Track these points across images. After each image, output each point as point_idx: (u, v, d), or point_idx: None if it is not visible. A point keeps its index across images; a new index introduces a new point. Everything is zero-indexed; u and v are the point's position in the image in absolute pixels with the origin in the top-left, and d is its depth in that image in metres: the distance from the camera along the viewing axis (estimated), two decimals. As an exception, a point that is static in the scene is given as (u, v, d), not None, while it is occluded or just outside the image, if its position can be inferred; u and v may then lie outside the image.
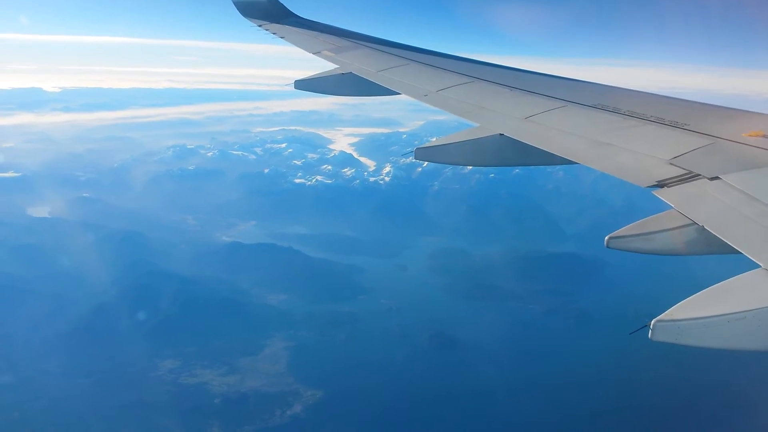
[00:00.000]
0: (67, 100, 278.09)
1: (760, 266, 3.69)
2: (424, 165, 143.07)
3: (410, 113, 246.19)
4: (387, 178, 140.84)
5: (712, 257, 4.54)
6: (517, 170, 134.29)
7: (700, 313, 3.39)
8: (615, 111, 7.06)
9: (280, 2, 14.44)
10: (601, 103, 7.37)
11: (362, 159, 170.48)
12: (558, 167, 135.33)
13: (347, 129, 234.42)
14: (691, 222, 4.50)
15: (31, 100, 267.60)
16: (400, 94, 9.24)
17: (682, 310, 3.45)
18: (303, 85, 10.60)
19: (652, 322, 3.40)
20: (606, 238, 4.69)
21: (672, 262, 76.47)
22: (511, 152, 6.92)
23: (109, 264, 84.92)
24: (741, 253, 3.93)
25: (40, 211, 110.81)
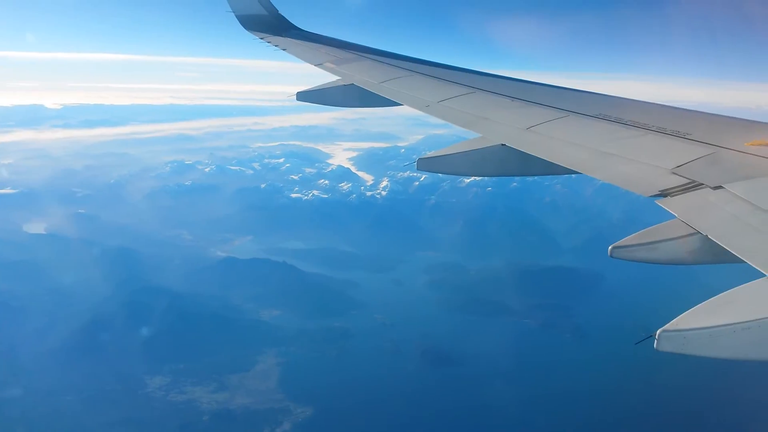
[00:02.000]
0: (67, 117, 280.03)
1: (765, 275, 3.67)
2: (422, 179, 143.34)
3: (410, 127, 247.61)
4: (384, 193, 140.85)
5: (716, 267, 4.55)
6: (514, 183, 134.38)
7: (706, 322, 3.35)
8: (617, 121, 7.04)
9: (282, 15, 14.69)
10: (603, 113, 7.36)
11: (360, 173, 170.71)
12: (556, 180, 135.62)
13: (346, 143, 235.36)
14: (695, 231, 4.49)
15: (31, 116, 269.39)
16: (402, 105, 9.31)
17: (687, 320, 3.41)
18: (305, 96, 10.64)
19: (658, 332, 3.36)
20: (610, 247, 4.67)
21: (669, 276, 76.03)
22: (513, 162, 6.93)
23: (103, 280, 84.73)
24: (745, 262, 3.92)
25: (37, 227, 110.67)
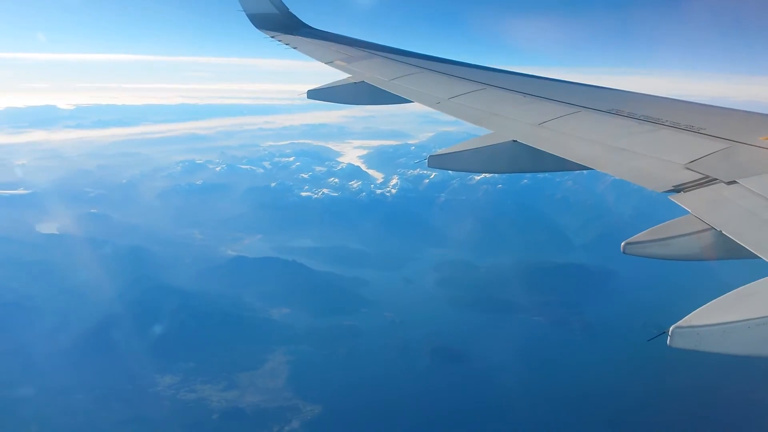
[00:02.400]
0: (80, 117, 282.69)
1: None
2: (432, 176, 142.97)
3: (420, 125, 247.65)
4: (394, 190, 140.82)
5: (730, 263, 4.55)
6: (525, 180, 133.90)
7: (720, 318, 3.32)
8: (630, 116, 7.02)
9: (292, 14, 14.83)
10: (615, 108, 7.34)
11: (370, 171, 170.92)
12: (567, 177, 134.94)
13: (357, 141, 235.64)
14: (709, 227, 4.48)
15: (44, 117, 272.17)
16: (412, 102, 9.33)
17: (700, 316, 3.38)
18: (316, 94, 10.71)
19: (671, 328, 3.34)
20: (623, 243, 4.65)
21: (682, 272, 75.20)
22: (524, 158, 6.93)
23: (114, 280, 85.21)
24: (760, 258, 3.90)
25: (49, 227, 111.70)
